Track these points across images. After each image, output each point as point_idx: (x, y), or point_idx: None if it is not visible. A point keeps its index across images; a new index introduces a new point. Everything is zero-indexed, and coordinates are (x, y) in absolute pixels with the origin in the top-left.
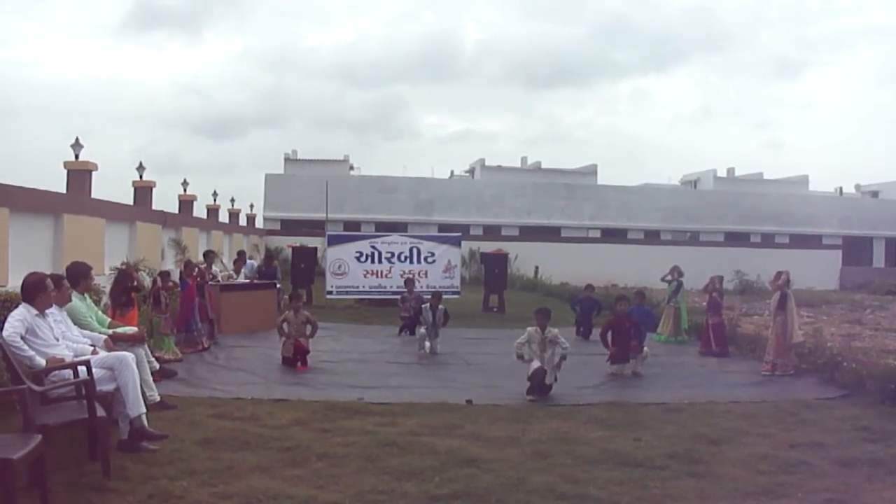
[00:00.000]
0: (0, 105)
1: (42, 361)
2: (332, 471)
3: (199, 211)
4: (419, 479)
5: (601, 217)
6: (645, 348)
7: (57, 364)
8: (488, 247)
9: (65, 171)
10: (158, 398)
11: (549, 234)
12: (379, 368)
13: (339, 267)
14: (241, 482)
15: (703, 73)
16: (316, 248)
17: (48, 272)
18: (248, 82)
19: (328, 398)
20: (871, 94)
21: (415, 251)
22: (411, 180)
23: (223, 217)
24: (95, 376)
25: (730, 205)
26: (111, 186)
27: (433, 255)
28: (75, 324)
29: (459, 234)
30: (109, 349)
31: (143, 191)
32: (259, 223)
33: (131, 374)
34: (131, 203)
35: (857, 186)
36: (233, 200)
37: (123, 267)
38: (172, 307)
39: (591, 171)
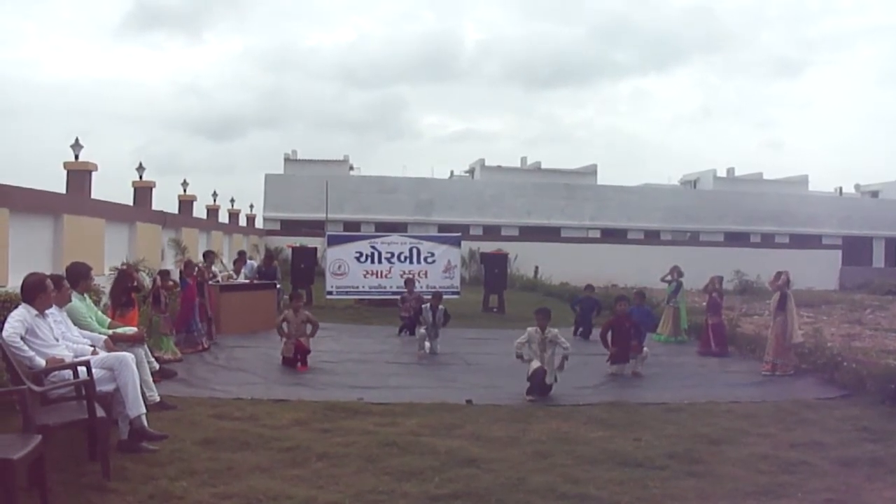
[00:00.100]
0: (0, 105)
1: (42, 362)
2: (332, 471)
3: (199, 211)
4: (419, 480)
5: (601, 217)
6: (645, 348)
7: (57, 364)
8: (488, 247)
9: (65, 172)
10: (158, 398)
11: (549, 234)
12: (379, 368)
13: (339, 267)
14: (241, 482)
15: (703, 73)
16: (316, 249)
17: (48, 272)
18: (248, 82)
19: (328, 398)
20: (871, 94)
21: (415, 251)
22: (411, 180)
23: (223, 217)
24: (95, 377)
25: (730, 205)
26: (111, 187)
27: (433, 255)
28: (75, 324)
29: (459, 234)
30: (109, 349)
31: (142, 191)
32: (259, 223)
33: (131, 374)
34: (131, 203)
35: (857, 186)
36: (233, 201)
37: (123, 267)
38: (172, 307)
39: (591, 171)
